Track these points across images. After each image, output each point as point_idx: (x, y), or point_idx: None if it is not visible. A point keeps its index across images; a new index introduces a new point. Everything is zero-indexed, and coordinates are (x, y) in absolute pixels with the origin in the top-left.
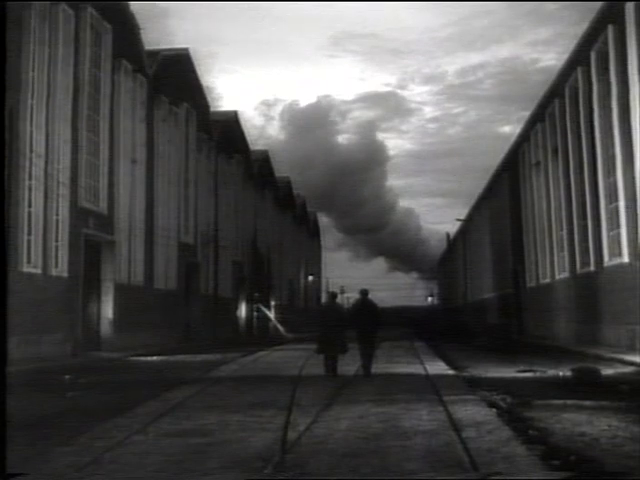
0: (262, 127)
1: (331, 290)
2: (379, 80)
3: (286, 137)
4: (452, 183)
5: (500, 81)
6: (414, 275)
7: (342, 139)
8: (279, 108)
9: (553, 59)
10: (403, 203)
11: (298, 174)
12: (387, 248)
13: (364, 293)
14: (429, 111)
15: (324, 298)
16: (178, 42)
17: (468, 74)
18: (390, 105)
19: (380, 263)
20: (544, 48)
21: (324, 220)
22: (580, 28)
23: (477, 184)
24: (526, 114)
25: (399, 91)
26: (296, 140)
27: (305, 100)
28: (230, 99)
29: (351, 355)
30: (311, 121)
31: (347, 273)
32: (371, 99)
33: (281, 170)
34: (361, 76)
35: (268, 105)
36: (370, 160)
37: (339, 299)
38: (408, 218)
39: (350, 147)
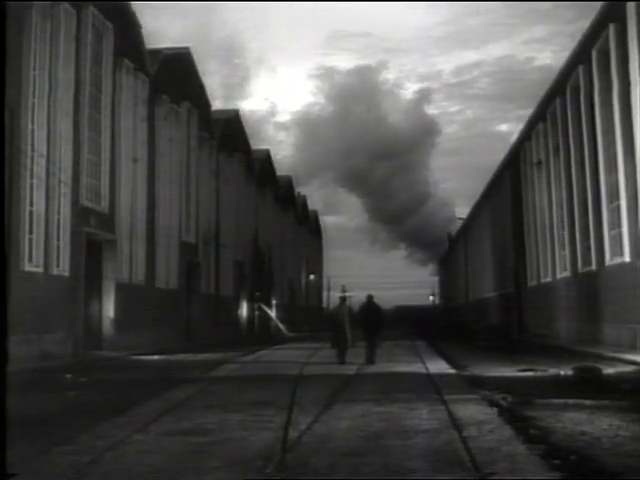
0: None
1: (341, 295)
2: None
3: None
4: (451, 182)
5: (496, 80)
6: (430, 269)
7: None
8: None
9: (548, 58)
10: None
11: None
12: (411, 238)
13: (370, 297)
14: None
15: (325, 297)
16: (178, 41)
17: (464, 73)
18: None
19: (396, 255)
20: (539, 46)
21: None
22: (575, 26)
23: (476, 183)
24: (522, 113)
25: (395, 90)
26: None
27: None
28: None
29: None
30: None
31: (349, 272)
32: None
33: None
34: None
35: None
36: (412, 141)
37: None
38: (442, 208)
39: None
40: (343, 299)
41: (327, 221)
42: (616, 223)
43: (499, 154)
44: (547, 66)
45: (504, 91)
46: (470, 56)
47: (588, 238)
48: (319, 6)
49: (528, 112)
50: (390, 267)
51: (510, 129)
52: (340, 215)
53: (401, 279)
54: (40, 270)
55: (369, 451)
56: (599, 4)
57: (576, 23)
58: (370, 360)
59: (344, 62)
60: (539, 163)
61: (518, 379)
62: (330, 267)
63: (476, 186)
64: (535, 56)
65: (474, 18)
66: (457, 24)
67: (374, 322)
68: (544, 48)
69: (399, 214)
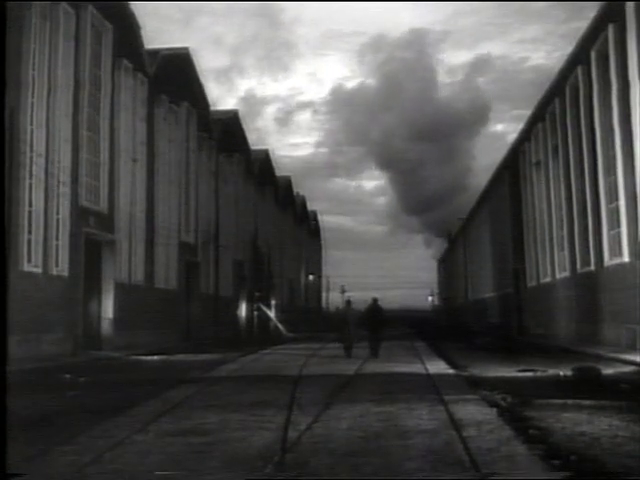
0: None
1: (347, 300)
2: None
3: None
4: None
5: (490, 80)
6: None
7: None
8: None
9: (542, 58)
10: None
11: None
12: (434, 232)
13: (375, 300)
14: None
15: (324, 297)
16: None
17: (457, 72)
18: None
19: (398, 255)
20: (533, 46)
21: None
22: (569, 26)
23: (475, 183)
24: (517, 113)
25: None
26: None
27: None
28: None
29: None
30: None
31: (348, 272)
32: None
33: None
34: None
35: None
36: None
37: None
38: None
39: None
40: (348, 302)
41: (329, 221)
42: (615, 223)
43: (497, 153)
44: (541, 66)
45: (498, 91)
46: (463, 56)
47: (587, 238)
48: (312, 6)
49: (523, 112)
50: (392, 268)
51: (506, 129)
52: (345, 216)
53: (399, 279)
54: (39, 270)
55: (369, 451)
56: (597, 4)
57: (570, 23)
58: (375, 354)
59: (335, 63)
60: (538, 163)
61: (518, 379)
62: (331, 267)
63: (475, 186)
64: (529, 56)
65: (467, 18)
66: (450, 24)
67: (378, 322)
68: (538, 48)
69: (426, 203)
